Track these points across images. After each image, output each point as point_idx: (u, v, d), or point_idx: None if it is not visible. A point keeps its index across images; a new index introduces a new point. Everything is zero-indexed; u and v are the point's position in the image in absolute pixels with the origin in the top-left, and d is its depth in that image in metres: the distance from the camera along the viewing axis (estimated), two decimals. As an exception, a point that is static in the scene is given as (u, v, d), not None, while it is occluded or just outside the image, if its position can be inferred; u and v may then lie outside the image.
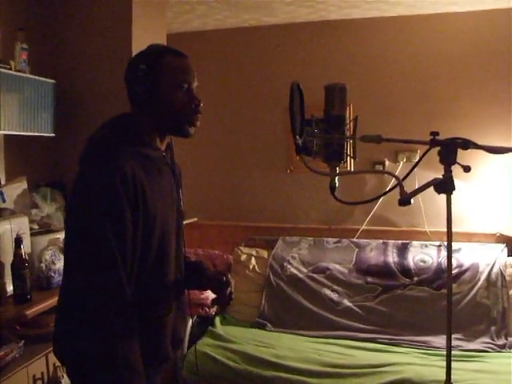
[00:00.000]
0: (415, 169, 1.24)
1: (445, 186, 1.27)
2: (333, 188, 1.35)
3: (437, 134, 1.25)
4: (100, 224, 1.09)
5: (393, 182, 3.04)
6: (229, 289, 1.35)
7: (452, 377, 2.33)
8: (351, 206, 3.06)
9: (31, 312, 1.76)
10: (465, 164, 1.18)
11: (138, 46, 2.29)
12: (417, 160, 1.23)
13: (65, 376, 1.89)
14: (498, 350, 2.52)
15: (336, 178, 1.36)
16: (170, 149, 1.34)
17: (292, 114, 1.31)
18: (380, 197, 1.31)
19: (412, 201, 1.24)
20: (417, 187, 1.27)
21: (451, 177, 1.26)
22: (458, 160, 1.21)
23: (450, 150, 1.24)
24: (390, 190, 1.29)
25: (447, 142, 1.24)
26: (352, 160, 1.33)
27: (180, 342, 1.39)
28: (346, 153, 1.33)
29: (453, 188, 1.27)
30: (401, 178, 1.27)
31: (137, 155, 1.18)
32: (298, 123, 1.36)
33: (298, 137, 1.33)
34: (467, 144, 1.24)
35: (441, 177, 1.27)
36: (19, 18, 2.23)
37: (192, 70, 1.27)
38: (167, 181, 1.29)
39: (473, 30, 3.01)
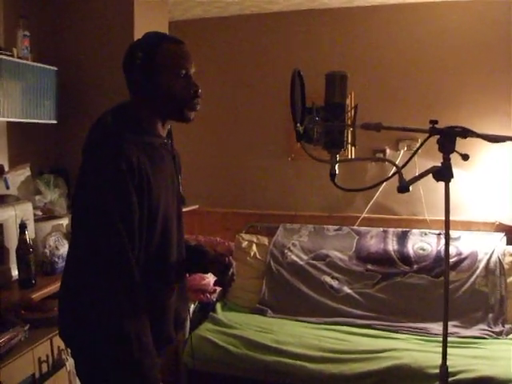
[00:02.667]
0: (415, 157, 1.26)
1: (443, 173, 1.28)
2: (333, 175, 1.37)
3: (436, 122, 1.26)
4: (108, 210, 1.11)
5: (394, 169, 3.06)
6: (231, 270, 1.37)
7: (449, 362, 2.38)
8: (352, 193, 3.08)
9: (36, 296, 1.79)
10: (465, 152, 1.20)
11: (140, 32, 2.26)
12: (406, 150, 1.24)
13: (69, 359, 1.93)
14: (495, 336, 2.55)
15: (336, 166, 1.38)
16: (170, 135, 1.36)
17: (293, 102, 1.32)
18: (378, 184, 1.32)
19: (410, 188, 1.26)
20: (416, 175, 1.29)
21: (450, 165, 1.28)
22: (458, 148, 1.22)
23: (448, 139, 1.26)
24: (389, 177, 1.31)
25: (446, 131, 1.25)
26: (353, 148, 1.35)
27: (182, 324, 1.43)
28: (347, 140, 1.35)
29: (451, 176, 1.29)
30: (401, 166, 1.29)
31: (140, 143, 1.20)
32: (298, 111, 1.37)
33: (298, 124, 1.35)
34: (466, 132, 1.25)
35: (440, 165, 1.29)
36: (21, 6, 2.23)
37: (189, 56, 1.27)
38: (168, 167, 1.31)
39: (476, 18, 2.99)
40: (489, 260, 2.77)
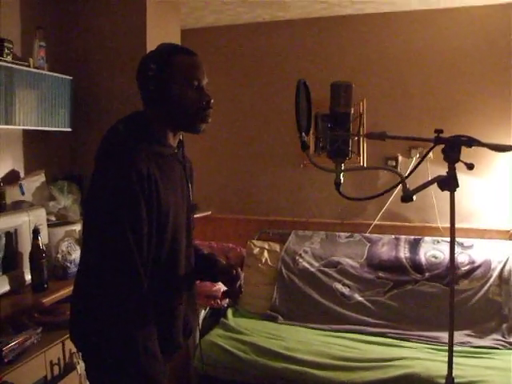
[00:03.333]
0: (428, 165, 1.25)
1: (448, 183, 1.28)
2: (338, 184, 1.38)
3: (441, 131, 1.26)
4: (118, 219, 1.14)
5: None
6: (238, 282, 1.39)
7: (459, 372, 2.34)
8: (364, 201, 3.07)
9: (48, 300, 1.83)
10: (479, 161, 1.19)
11: (153, 42, 2.34)
12: (430, 157, 1.23)
13: (80, 362, 1.96)
14: (509, 347, 2.51)
15: (341, 174, 1.38)
16: (181, 145, 1.37)
17: (298, 112, 1.33)
18: (382, 194, 1.32)
19: (414, 198, 1.26)
20: (420, 184, 1.29)
21: (455, 174, 1.27)
22: (472, 156, 1.22)
23: (453, 148, 1.25)
24: (393, 187, 1.31)
25: (451, 140, 1.25)
26: (364, 156, 1.35)
27: (191, 332, 1.44)
28: (352, 150, 1.35)
29: (456, 185, 1.29)
30: (406, 175, 1.29)
31: (150, 153, 1.22)
32: (304, 120, 1.39)
33: (303, 134, 1.36)
34: (471, 142, 1.24)
35: (445, 174, 1.28)
36: (38, 17, 2.30)
37: (202, 67, 1.29)
38: (178, 177, 1.33)
39: (489, 23, 2.97)
40: (503, 269, 2.73)
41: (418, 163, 1.30)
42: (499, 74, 2.96)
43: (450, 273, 1.23)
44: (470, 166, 1.25)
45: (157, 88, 1.23)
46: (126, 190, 1.14)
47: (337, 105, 1.34)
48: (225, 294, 1.46)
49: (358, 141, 1.34)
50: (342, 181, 1.38)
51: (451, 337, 1.30)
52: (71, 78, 2.28)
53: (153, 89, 1.24)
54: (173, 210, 1.25)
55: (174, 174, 1.31)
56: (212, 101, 1.28)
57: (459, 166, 1.44)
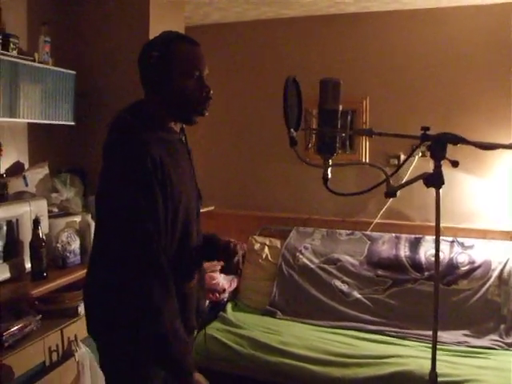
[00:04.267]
0: (429, 162, 1.25)
1: (434, 180, 1.29)
2: (325, 179, 1.40)
3: (428, 128, 1.27)
4: (136, 208, 1.15)
5: (408, 174, 3.03)
6: (236, 257, 1.40)
7: (455, 371, 2.34)
8: (365, 198, 3.08)
9: (46, 288, 1.88)
10: (483, 161, 1.20)
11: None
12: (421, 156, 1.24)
13: (78, 350, 2.01)
14: (507, 348, 2.50)
15: (329, 170, 1.40)
16: (183, 131, 1.39)
17: (286, 108, 1.36)
18: (369, 190, 1.34)
19: (398, 193, 1.28)
20: (404, 180, 1.30)
21: (441, 171, 1.28)
22: (475, 155, 1.22)
23: (440, 145, 1.26)
24: (379, 184, 1.32)
25: (437, 137, 1.26)
26: (366, 153, 1.37)
27: (202, 313, 1.48)
28: (339, 146, 1.37)
29: (442, 182, 1.29)
30: (418, 173, 1.29)
31: (159, 139, 1.23)
32: (293, 116, 1.41)
33: (292, 130, 1.38)
34: (457, 139, 1.25)
35: (450, 172, 1.29)
36: (43, 13, 2.35)
37: (203, 58, 1.30)
38: (186, 163, 1.36)
39: (493, 22, 2.94)
40: (502, 269, 2.72)
41: (403, 162, 1.32)
42: (503, 72, 2.93)
43: (436, 271, 1.24)
44: (455, 164, 1.26)
45: (158, 76, 1.24)
46: (143, 178, 1.15)
47: (325, 102, 1.36)
48: (222, 270, 1.48)
49: (349, 138, 1.35)
50: (329, 176, 1.40)
51: (435, 333, 1.31)
52: (75, 72, 2.33)
53: (154, 76, 1.24)
54: (184, 194, 1.28)
55: (183, 160, 1.32)
56: (212, 92, 1.29)
57: (465, 166, 1.44)
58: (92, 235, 1.39)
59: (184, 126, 1.38)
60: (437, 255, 1.34)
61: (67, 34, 2.47)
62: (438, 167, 1.29)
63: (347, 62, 3.21)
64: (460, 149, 1.23)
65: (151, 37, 2.34)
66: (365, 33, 3.21)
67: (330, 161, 1.38)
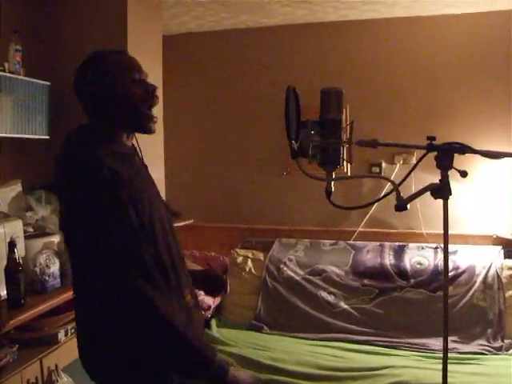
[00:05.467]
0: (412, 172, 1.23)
1: (441, 191, 1.27)
2: (329, 193, 1.34)
3: (434, 138, 1.24)
4: (116, 229, 1.09)
5: (389, 184, 3.04)
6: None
7: (450, 380, 2.32)
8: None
9: (25, 317, 1.74)
10: (462, 167, 1.18)
11: (134, 47, 2.28)
12: (414, 163, 1.22)
13: (59, 380, 1.88)
14: (495, 352, 2.52)
15: (332, 183, 1.35)
16: (136, 148, 1.35)
17: (287, 119, 1.30)
18: (376, 202, 1.30)
19: (408, 206, 1.24)
20: (413, 192, 1.27)
21: (448, 182, 1.26)
22: (455, 161, 1.21)
23: (446, 155, 1.24)
24: (387, 195, 1.28)
25: (444, 147, 1.23)
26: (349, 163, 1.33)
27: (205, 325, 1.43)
28: (342, 157, 1.32)
29: (449, 193, 1.27)
30: (398, 181, 1.26)
31: (117, 154, 1.19)
32: (293, 127, 1.35)
33: (293, 141, 1.33)
34: (464, 149, 1.23)
35: (437, 181, 1.27)
36: (14, 20, 2.21)
37: (137, 62, 1.29)
38: (147, 175, 1.32)
39: (474, 32, 3.00)
40: (487, 274, 2.75)
41: (410, 171, 1.28)
42: (499, 81, 2.97)
43: (445, 280, 1.21)
44: (464, 174, 1.24)
45: (99, 90, 1.20)
46: (114, 198, 1.10)
47: (327, 111, 1.31)
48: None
49: (350, 149, 1.31)
50: (332, 189, 1.35)
51: (446, 344, 1.27)
52: (49, 83, 2.20)
53: (95, 92, 1.21)
54: (154, 207, 1.22)
55: (144, 174, 1.30)
56: (157, 88, 1.27)
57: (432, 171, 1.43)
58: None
59: (137, 142, 1.34)
60: (445, 263, 1.31)
61: (40, 43, 2.33)
62: (444, 178, 1.27)
63: (326, 71, 3.21)
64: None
65: (129, 46, 2.29)
66: (344, 41, 3.22)
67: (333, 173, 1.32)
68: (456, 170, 1.24)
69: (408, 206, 1.24)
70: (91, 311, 1.18)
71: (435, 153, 1.23)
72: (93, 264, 1.14)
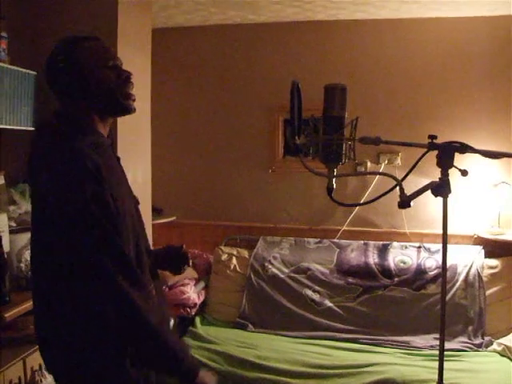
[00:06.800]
0: (396, 170, 1.25)
1: (442, 189, 1.29)
2: (330, 189, 1.34)
3: (435, 137, 1.26)
4: (94, 217, 1.08)
5: (374, 183, 3.08)
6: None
7: (430, 376, 2.36)
8: (332, 206, 3.08)
9: (10, 315, 1.69)
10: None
11: (123, 38, 2.23)
12: (399, 163, 1.23)
13: (44, 380, 1.82)
14: (476, 349, 2.58)
15: (334, 180, 1.35)
16: (111, 136, 1.33)
17: (292, 115, 1.29)
18: (380, 197, 1.30)
19: (412, 203, 1.26)
20: (414, 190, 1.29)
21: (448, 180, 1.28)
22: (434, 160, 1.23)
23: (447, 154, 1.26)
24: (390, 190, 1.29)
25: (445, 146, 1.25)
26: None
27: (168, 325, 1.39)
28: (345, 154, 1.32)
29: (449, 191, 1.30)
30: (398, 180, 1.28)
31: (92, 144, 1.17)
32: (298, 124, 1.34)
33: (297, 138, 1.32)
34: (464, 148, 1.26)
35: (437, 180, 1.29)
36: (0, 6, 2.12)
37: (111, 48, 1.27)
38: (119, 168, 1.31)
39: (476, 34, 3.03)
40: (468, 273, 2.81)
41: (411, 168, 1.29)
42: (495, 83, 3.01)
43: (443, 280, 1.23)
44: (464, 173, 1.26)
45: (72, 77, 1.18)
46: (97, 191, 1.09)
47: (331, 108, 1.31)
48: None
49: (354, 146, 1.31)
50: (334, 186, 1.34)
51: (442, 344, 1.29)
52: (35, 73, 2.12)
53: (68, 79, 1.18)
54: (126, 199, 1.23)
55: (116, 165, 1.28)
56: (132, 75, 1.25)
57: (426, 171, 1.46)
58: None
59: (111, 131, 1.32)
60: (444, 263, 1.34)
61: (28, 31, 2.25)
62: (445, 176, 1.29)
63: (313, 69, 3.21)
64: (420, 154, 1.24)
65: (119, 37, 2.24)
66: (333, 41, 3.23)
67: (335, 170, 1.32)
68: (457, 168, 1.27)
69: (412, 203, 1.25)
70: (62, 306, 1.15)
71: (438, 154, 1.26)
72: (71, 258, 1.11)
